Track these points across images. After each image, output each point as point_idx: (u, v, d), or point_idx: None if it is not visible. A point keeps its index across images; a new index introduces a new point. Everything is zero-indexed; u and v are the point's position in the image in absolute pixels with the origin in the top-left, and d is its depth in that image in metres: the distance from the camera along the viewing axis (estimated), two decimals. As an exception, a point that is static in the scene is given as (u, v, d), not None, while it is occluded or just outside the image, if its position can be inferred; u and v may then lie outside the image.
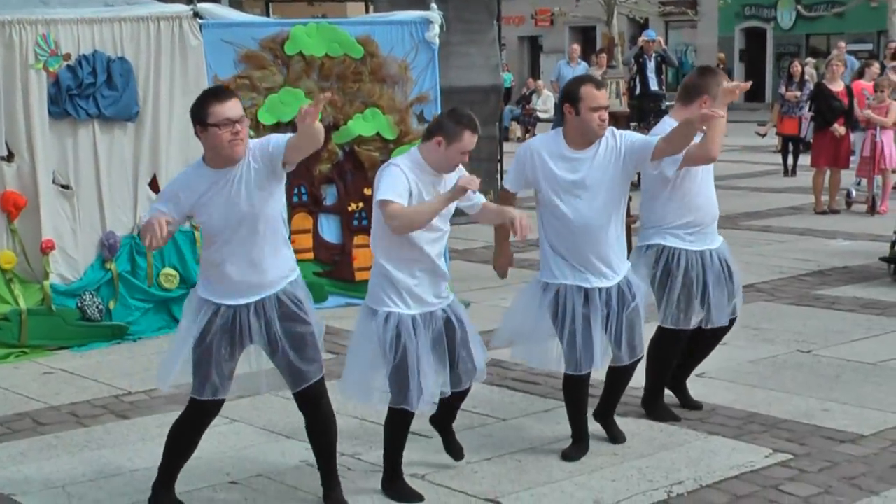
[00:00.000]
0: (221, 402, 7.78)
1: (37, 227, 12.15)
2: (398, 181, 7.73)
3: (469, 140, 8.00)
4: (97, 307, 12.24)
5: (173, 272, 12.70)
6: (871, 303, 13.87)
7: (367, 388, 8.03)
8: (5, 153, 12.10)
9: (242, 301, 7.52)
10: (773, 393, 10.31)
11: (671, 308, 9.22)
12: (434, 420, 8.53)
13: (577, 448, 8.70)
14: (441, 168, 8.07)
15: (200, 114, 7.36)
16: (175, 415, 9.80)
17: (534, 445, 9.03)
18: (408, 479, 8.11)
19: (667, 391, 9.74)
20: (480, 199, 8.23)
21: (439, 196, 7.78)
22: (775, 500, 7.94)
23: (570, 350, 8.64)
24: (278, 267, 7.63)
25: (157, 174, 12.72)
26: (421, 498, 7.90)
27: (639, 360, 8.95)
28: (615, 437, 9.14)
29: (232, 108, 7.36)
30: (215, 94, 7.66)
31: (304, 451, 8.61)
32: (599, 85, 8.96)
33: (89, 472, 8.60)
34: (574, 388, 8.79)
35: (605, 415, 9.18)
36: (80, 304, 12.21)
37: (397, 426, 8.01)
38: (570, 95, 8.90)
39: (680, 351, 9.55)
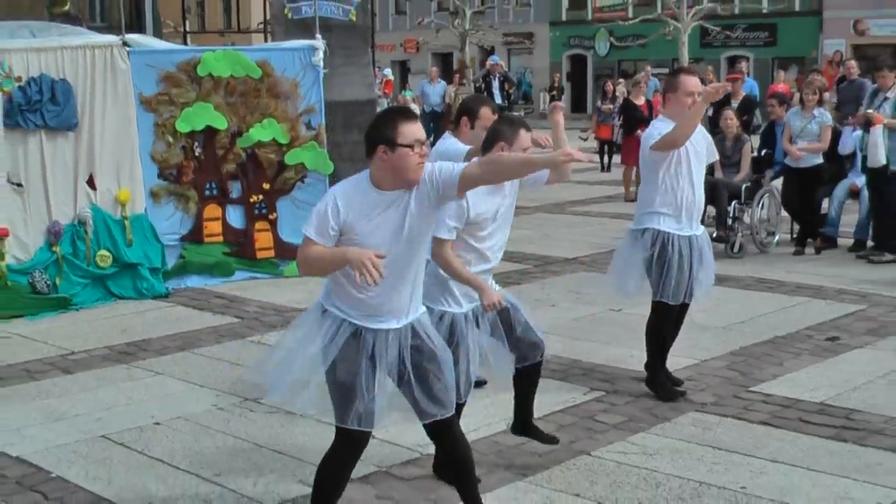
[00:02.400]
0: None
1: (-6, 217, 12.02)
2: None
3: (525, 137, 6.81)
4: (45, 283, 12.15)
5: (107, 253, 12.61)
6: (668, 271, 14.03)
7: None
8: (-32, 158, 11.97)
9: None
10: (591, 344, 10.44)
11: (668, 285, 8.66)
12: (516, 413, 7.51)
13: None
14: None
15: (389, 133, 5.70)
16: (109, 370, 9.83)
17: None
18: (296, 418, 8.09)
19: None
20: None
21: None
22: (591, 427, 8.07)
23: None
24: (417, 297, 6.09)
25: (93, 173, 12.66)
26: None
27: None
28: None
29: (420, 129, 5.82)
30: (404, 114, 5.93)
31: (214, 398, 8.61)
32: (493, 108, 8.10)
33: (40, 417, 8.54)
34: None
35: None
36: (31, 281, 12.10)
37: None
38: (467, 111, 8.10)
39: (671, 324, 9.03)
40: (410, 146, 5.64)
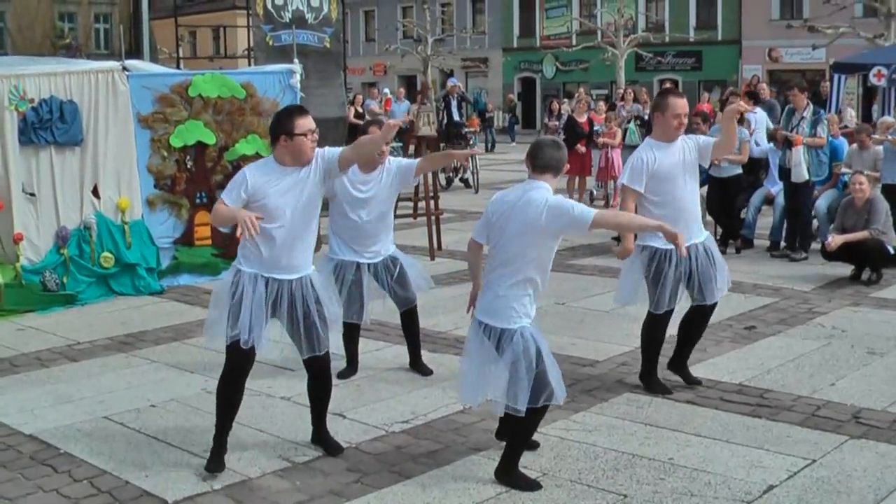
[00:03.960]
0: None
1: (10, 223, 11.95)
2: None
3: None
4: (55, 281, 12.09)
5: (110, 255, 12.55)
6: (606, 269, 14.08)
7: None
8: (-13, 172, 11.92)
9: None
10: (537, 332, 10.46)
11: (663, 298, 8.25)
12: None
13: None
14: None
15: (289, 126, 6.58)
16: (110, 358, 9.81)
17: (368, 374, 9.10)
18: (276, 401, 8.14)
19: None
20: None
21: None
22: (538, 406, 8.09)
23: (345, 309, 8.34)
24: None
25: (97, 183, 12.60)
26: None
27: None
28: (421, 369, 9.10)
29: (311, 121, 6.68)
30: (299, 111, 6.82)
31: (203, 382, 8.59)
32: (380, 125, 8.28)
33: (50, 399, 8.51)
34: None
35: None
36: (42, 280, 12.05)
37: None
38: (361, 130, 8.71)
39: (665, 330, 8.52)
40: (304, 134, 6.62)
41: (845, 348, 9.73)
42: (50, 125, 12.13)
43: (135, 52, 26.23)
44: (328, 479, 6.67)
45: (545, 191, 6.53)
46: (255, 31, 19.16)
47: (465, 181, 26.05)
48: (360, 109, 28.30)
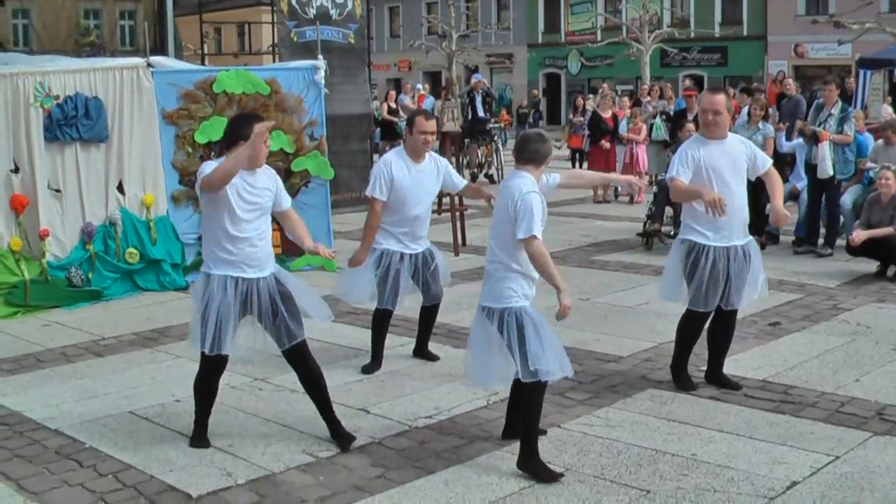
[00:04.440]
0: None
1: (36, 219, 12.02)
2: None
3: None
4: (80, 277, 12.16)
5: (135, 251, 12.61)
6: (630, 265, 14.10)
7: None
8: (14, 167, 11.98)
9: None
10: (561, 328, 10.34)
11: (699, 293, 8.14)
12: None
13: None
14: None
15: (247, 132, 6.74)
16: (134, 353, 9.86)
17: (391, 370, 9.13)
18: (300, 396, 8.18)
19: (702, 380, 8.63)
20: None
21: None
22: (561, 403, 8.10)
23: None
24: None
25: (122, 180, 12.67)
26: None
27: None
28: (427, 356, 9.36)
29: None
30: (255, 118, 7.07)
31: (227, 378, 8.61)
32: (428, 116, 9.06)
33: (75, 395, 8.57)
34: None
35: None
36: (68, 275, 12.11)
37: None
38: (408, 122, 9.08)
39: (701, 329, 8.44)
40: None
41: (870, 345, 9.69)
42: (75, 122, 12.20)
43: (159, 48, 26.28)
44: (351, 475, 6.69)
45: (525, 180, 6.83)
46: (280, 28, 19.19)
47: (489, 177, 26.05)
48: (394, 105, 28.33)
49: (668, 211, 15.32)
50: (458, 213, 15.57)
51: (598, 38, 51.88)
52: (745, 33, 52.03)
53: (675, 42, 47.77)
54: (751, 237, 8.43)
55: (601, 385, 8.55)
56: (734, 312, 8.51)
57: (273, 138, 13.50)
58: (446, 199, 15.16)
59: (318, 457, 7.02)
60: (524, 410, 6.77)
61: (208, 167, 6.88)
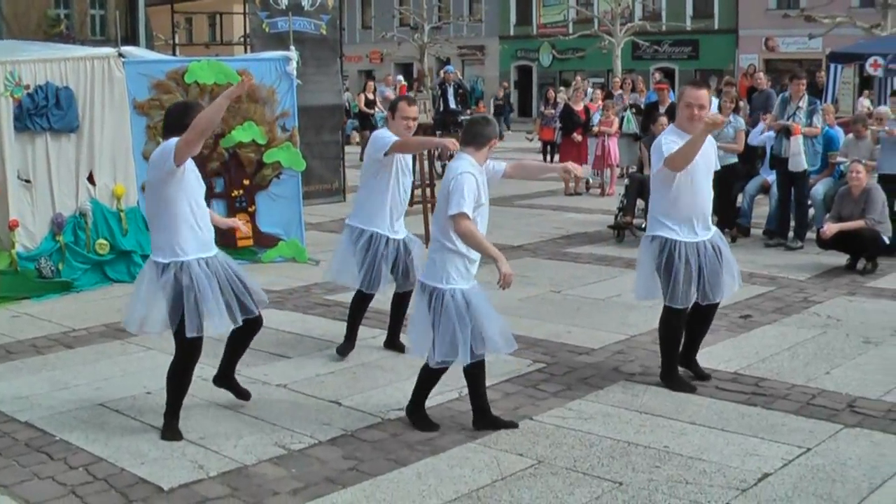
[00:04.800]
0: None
1: (6, 210, 11.93)
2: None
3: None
4: (50, 268, 12.07)
5: (105, 242, 12.53)
6: (602, 257, 14.12)
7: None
8: (-18, 158, 11.88)
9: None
10: (533, 321, 10.47)
11: (677, 290, 8.06)
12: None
13: None
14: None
15: (187, 122, 6.88)
16: (105, 345, 9.80)
17: (363, 361, 9.11)
18: (272, 388, 8.15)
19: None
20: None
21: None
22: (533, 395, 8.12)
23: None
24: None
25: (92, 170, 12.59)
26: None
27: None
28: (398, 348, 9.30)
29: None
30: (194, 107, 7.25)
31: (199, 370, 8.56)
32: (410, 102, 9.17)
33: (46, 387, 8.51)
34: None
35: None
36: (37, 266, 12.02)
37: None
38: (391, 107, 9.24)
39: (683, 325, 8.35)
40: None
41: (840, 337, 9.74)
42: (45, 111, 12.11)
43: (131, 38, 26.17)
44: (324, 467, 6.68)
45: (464, 161, 7.13)
46: (252, 18, 19.11)
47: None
48: (371, 97, 28.25)
49: (640, 203, 15.34)
50: (429, 205, 15.54)
51: (570, 30, 51.98)
52: (716, 27, 52.15)
53: (647, 35, 47.87)
54: (715, 229, 8.40)
55: (573, 377, 8.55)
56: (715, 307, 8.48)
57: (245, 129, 13.52)
58: (418, 192, 15.13)
59: (290, 449, 7.00)
60: (472, 379, 7.34)
61: (171, 144, 6.95)
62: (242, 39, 26.63)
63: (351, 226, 9.15)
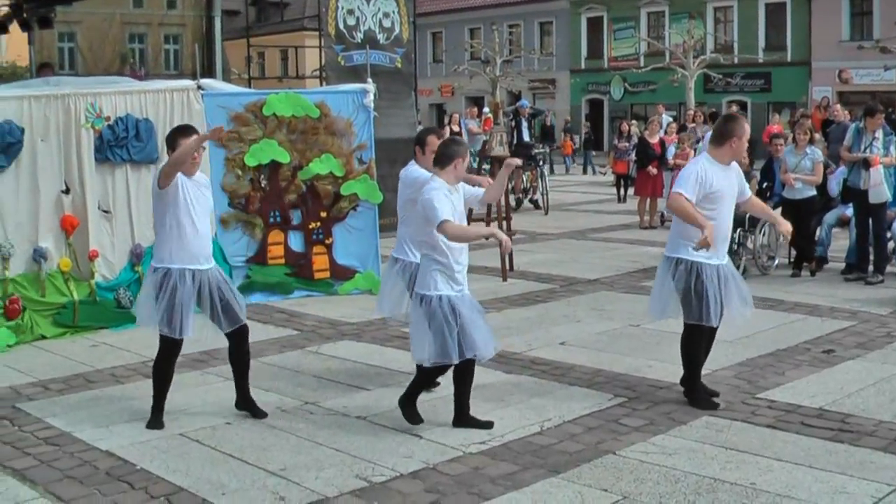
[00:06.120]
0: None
1: (86, 240, 12.04)
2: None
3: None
4: (129, 298, 12.14)
5: (183, 272, 12.64)
6: (679, 290, 13.95)
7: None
8: (64, 188, 11.98)
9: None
10: (613, 355, 10.36)
11: (707, 310, 8.32)
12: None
13: None
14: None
15: (177, 144, 7.94)
16: (184, 375, 9.81)
17: (443, 394, 9.01)
18: (352, 420, 8.08)
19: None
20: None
21: None
22: (615, 430, 7.98)
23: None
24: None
25: (171, 202, 12.68)
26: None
27: None
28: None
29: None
30: (183, 131, 8.16)
31: (278, 400, 8.60)
32: (439, 135, 9.17)
33: (125, 416, 8.53)
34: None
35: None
36: (116, 296, 12.12)
37: None
38: (418, 141, 9.17)
39: (704, 343, 8.67)
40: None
41: (927, 373, 9.54)
42: (126, 143, 12.22)
43: (208, 71, 26.39)
44: (405, 500, 6.61)
45: (432, 182, 7.79)
46: (327, 51, 19.24)
47: (534, 202, 25.91)
48: (457, 128, 28.30)
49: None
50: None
51: (642, 63, 51.84)
52: (788, 59, 51.80)
53: (719, 68, 47.59)
54: (728, 258, 8.68)
55: (656, 412, 8.42)
56: (715, 331, 8.76)
57: (322, 161, 13.56)
58: (494, 226, 15.07)
59: (371, 481, 6.94)
60: (459, 381, 8.01)
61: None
62: (315, 73, 26.78)
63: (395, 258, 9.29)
